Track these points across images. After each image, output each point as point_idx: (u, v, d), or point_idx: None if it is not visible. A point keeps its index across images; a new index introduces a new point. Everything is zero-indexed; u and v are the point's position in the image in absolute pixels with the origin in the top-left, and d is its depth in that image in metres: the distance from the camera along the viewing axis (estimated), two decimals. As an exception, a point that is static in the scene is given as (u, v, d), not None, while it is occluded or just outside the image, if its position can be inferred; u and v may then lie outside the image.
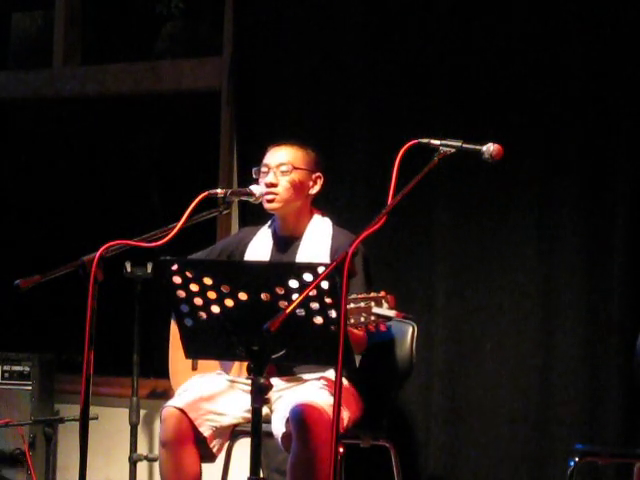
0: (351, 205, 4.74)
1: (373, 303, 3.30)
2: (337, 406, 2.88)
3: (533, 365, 4.48)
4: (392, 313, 3.28)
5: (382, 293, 3.33)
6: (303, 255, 3.89)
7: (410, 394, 4.58)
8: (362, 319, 3.32)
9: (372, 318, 3.30)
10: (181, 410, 3.72)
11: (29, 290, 3.17)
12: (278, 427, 3.66)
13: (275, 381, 3.75)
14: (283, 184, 3.89)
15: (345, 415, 3.74)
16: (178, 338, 3.48)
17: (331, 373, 3.65)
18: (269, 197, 3.88)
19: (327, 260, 3.79)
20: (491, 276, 4.57)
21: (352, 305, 3.33)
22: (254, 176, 3.93)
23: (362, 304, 3.33)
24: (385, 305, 3.30)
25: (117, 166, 5.92)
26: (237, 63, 5.14)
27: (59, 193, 5.93)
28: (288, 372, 3.83)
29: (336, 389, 2.88)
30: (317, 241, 3.92)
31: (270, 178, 3.89)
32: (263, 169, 3.92)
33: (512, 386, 4.51)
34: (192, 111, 5.77)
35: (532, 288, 4.50)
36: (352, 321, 3.32)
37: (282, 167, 3.90)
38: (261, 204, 3.88)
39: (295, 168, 3.90)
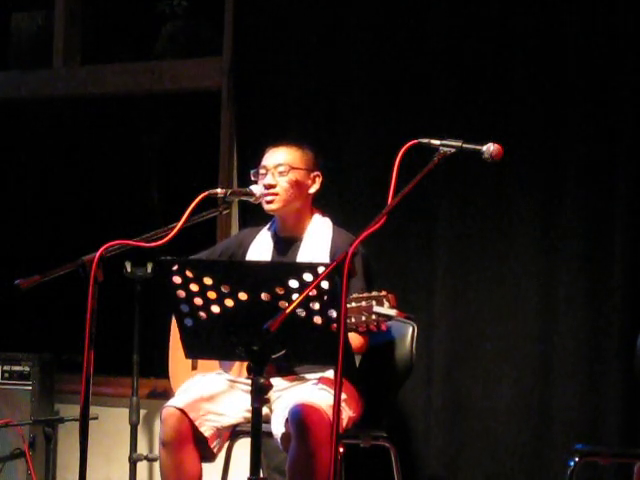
0: (351, 205, 4.74)
1: (374, 302, 3.29)
2: (337, 406, 2.88)
3: (533, 365, 4.48)
4: (393, 312, 3.27)
5: (383, 292, 3.32)
6: (303, 256, 3.89)
7: (410, 394, 4.58)
8: (363, 318, 3.31)
9: (373, 317, 3.30)
10: (181, 410, 3.72)
11: (29, 290, 3.17)
12: (277, 427, 3.65)
13: (276, 381, 3.75)
14: (282, 185, 3.89)
15: (345, 415, 3.74)
16: (178, 338, 3.48)
17: (332, 373, 3.65)
18: (268, 198, 3.88)
19: (327, 260, 3.79)
20: (491, 276, 4.57)
21: (353, 304, 3.33)
22: (252, 178, 3.93)
23: (363, 303, 3.32)
24: (386, 304, 3.29)
25: (117, 166, 5.92)
26: (237, 63, 5.14)
27: (59, 193, 5.93)
28: (289, 371, 3.83)
29: (336, 389, 2.88)
30: (317, 241, 3.92)
31: (268, 179, 3.89)
32: (261, 171, 3.92)
33: (512, 386, 4.51)
34: (192, 111, 5.76)
35: (533, 288, 4.50)
36: (353, 320, 3.32)
37: (280, 168, 3.90)
38: (261, 204, 3.88)
39: (293, 168, 3.90)
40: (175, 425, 3.71)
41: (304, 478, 3.54)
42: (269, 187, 3.88)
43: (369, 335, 3.76)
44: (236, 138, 5.17)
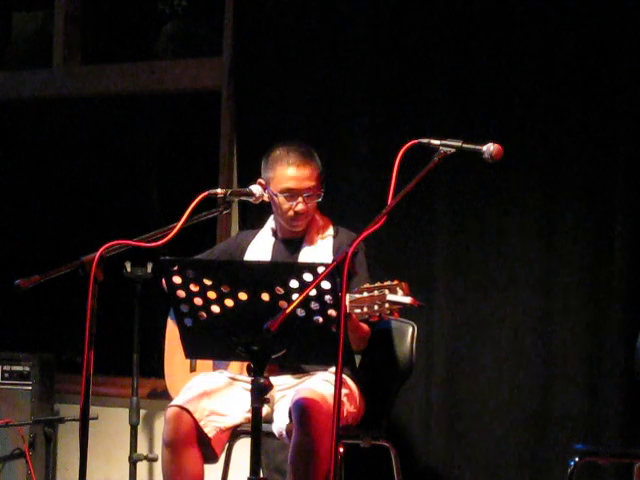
0: (351, 205, 4.74)
1: (387, 291, 3.28)
2: (337, 406, 2.87)
3: (533, 365, 4.48)
4: (408, 300, 3.26)
5: (395, 281, 3.32)
6: (306, 256, 3.89)
7: (410, 394, 4.58)
8: (376, 307, 3.30)
9: (386, 306, 3.29)
10: (186, 410, 3.71)
11: (29, 290, 3.17)
12: (282, 420, 3.66)
13: (281, 380, 3.76)
14: (310, 208, 3.88)
15: (345, 409, 3.74)
16: (174, 340, 3.48)
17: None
18: (299, 223, 3.88)
19: (330, 260, 3.78)
20: (491, 276, 4.57)
21: (365, 294, 3.32)
22: (260, 188, 3.88)
23: (375, 292, 3.31)
24: (400, 292, 3.28)
25: (117, 166, 5.92)
26: (237, 63, 5.14)
27: (59, 193, 5.93)
28: (299, 369, 3.84)
29: (336, 390, 2.87)
30: (319, 242, 3.92)
31: (302, 207, 3.85)
32: (285, 194, 3.85)
33: (512, 386, 4.51)
34: (192, 111, 5.77)
35: (532, 288, 4.50)
36: (366, 310, 3.31)
37: (308, 192, 3.86)
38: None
39: (320, 191, 3.89)
40: (180, 425, 3.70)
41: (306, 466, 3.55)
42: (302, 213, 3.86)
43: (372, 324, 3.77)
44: (236, 138, 5.17)
